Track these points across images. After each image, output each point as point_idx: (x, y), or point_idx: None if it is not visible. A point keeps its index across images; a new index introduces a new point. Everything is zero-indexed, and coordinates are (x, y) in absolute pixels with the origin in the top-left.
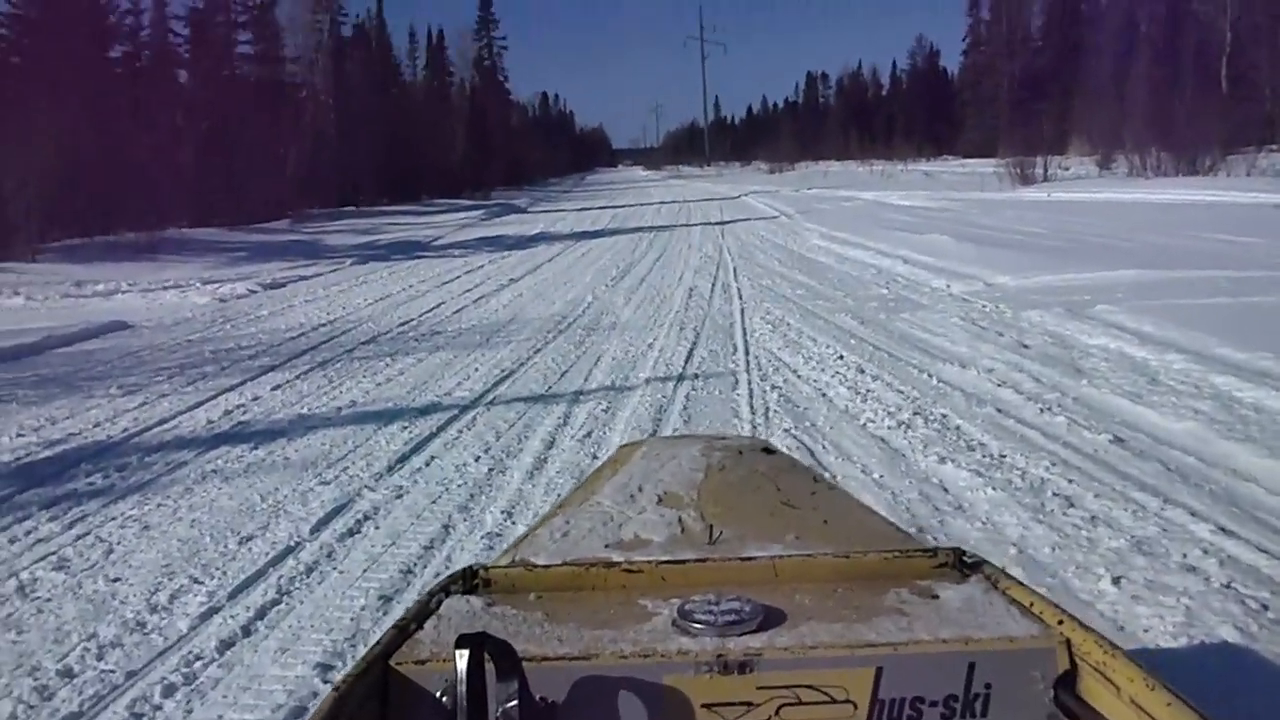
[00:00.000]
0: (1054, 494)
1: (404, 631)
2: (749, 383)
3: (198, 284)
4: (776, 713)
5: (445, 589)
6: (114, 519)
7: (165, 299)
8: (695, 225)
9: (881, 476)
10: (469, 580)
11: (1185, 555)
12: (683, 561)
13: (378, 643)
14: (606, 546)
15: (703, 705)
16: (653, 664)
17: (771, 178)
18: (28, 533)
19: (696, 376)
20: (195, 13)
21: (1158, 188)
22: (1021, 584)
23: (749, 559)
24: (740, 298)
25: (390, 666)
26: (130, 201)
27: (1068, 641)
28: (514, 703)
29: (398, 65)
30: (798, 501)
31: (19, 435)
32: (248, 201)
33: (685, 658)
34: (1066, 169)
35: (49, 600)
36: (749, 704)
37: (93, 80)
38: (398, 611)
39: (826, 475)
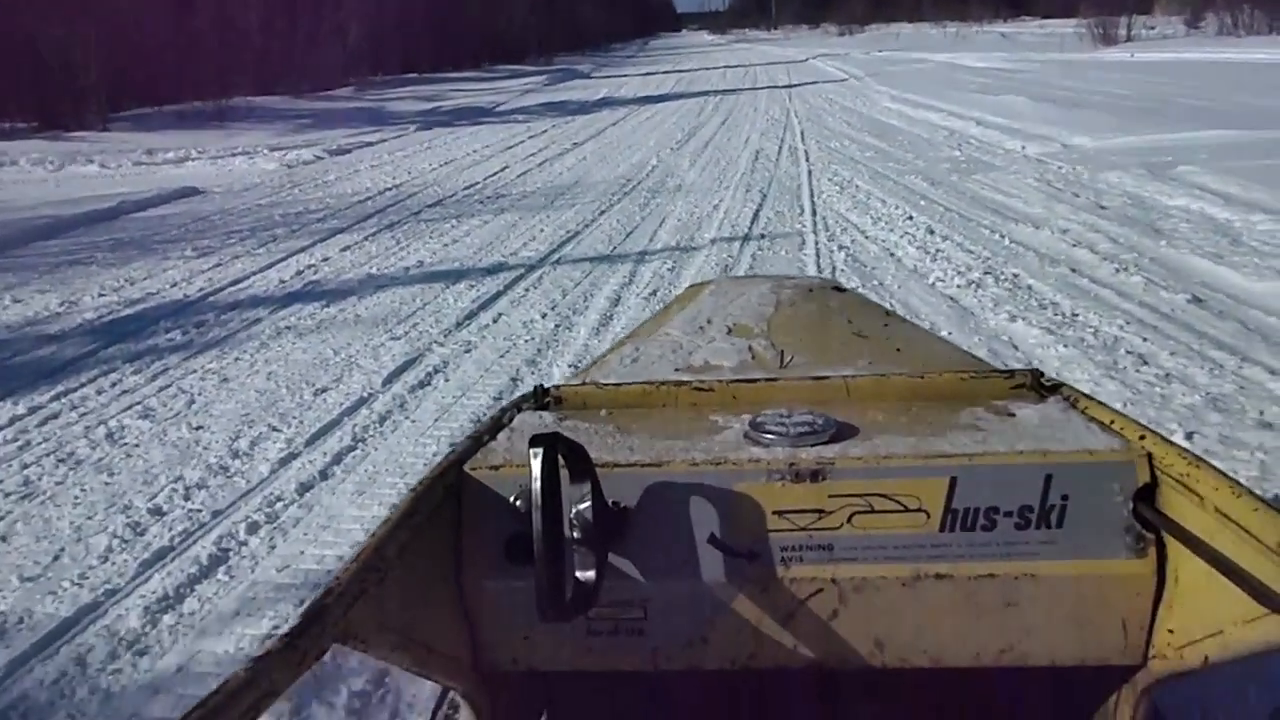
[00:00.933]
0: (1127, 351)
1: (478, 441)
2: (815, 243)
3: (265, 150)
4: (848, 520)
5: (517, 405)
6: (194, 371)
7: (234, 165)
8: (761, 89)
9: (950, 334)
10: (540, 398)
11: (1263, 413)
12: (754, 380)
13: (452, 450)
14: (676, 370)
15: (774, 512)
16: (724, 471)
17: (840, 40)
18: (113, 384)
19: (762, 237)
20: None
21: (1249, 47)
22: (1102, 403)
23: (821, 378)
24: (807, 160)
25: (465, 472)
26: (197, 70)
27: (1149, 455)
28: (586, 504)
29: None
30: (869, 331)
31: (100, 295)
32: (312, 69)
33: (757, 465)
34: (1152, 28)
35: (136, 446)
36: (820, 511)
37: None
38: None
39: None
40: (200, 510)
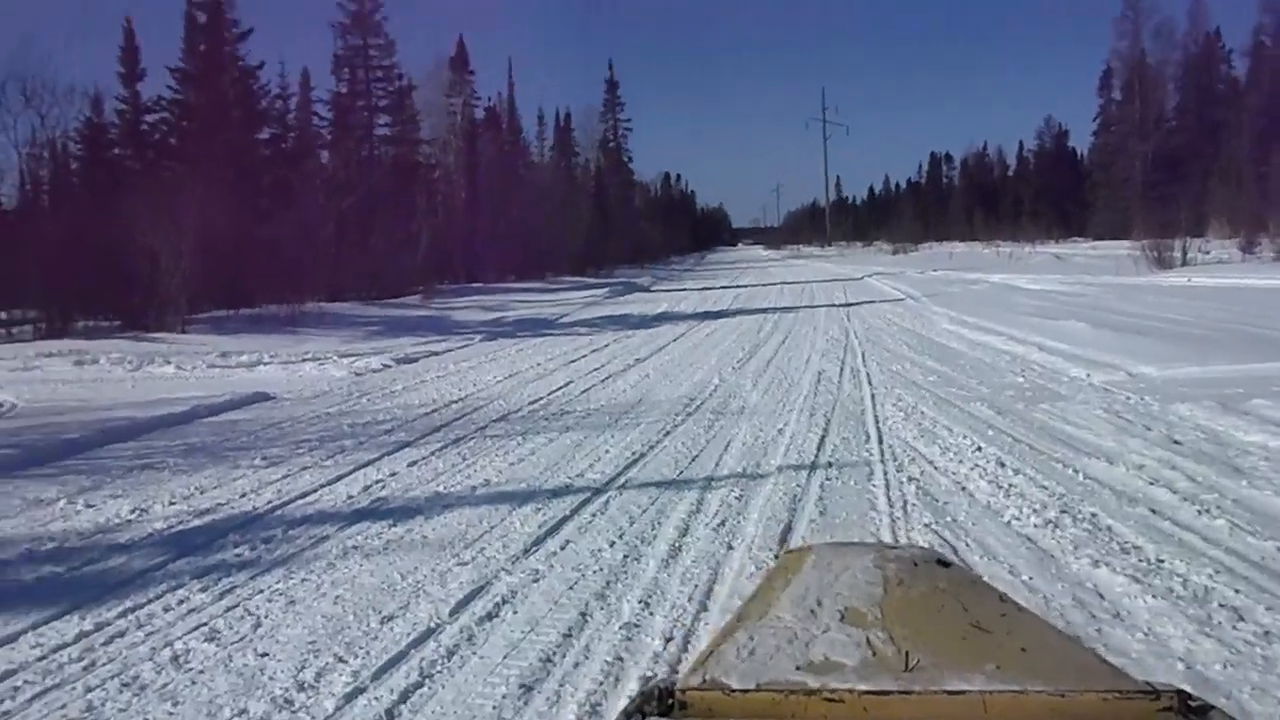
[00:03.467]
0: (1220, 604)
1: None
2: (884, 473)
3: (335, 357)
4: None
5: (640, 709)
6: (261, 592)
7: (304, 371)
8: (819, 307)
9: (1031, 579)
10: (664, 700)
11: None
12: (886, 693)
13: None
14: (798, 668)
15: None
16: None
17: (894, 259)
18: (180, 601)
19: (829, 465)
20: (338, 97)
21: None
22: None
23: (956, 692)
24: (870, 383)
25: None
26: (273, 276)
27: None
28: None
29: (526, 146)
30: (989, 624)
31: (171, 503)
32: (381, 277)
33: None
34: (1207, 252)
35: (201, 672)
36: None
37: (242, 161)
38: (536, 703)
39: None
40: None
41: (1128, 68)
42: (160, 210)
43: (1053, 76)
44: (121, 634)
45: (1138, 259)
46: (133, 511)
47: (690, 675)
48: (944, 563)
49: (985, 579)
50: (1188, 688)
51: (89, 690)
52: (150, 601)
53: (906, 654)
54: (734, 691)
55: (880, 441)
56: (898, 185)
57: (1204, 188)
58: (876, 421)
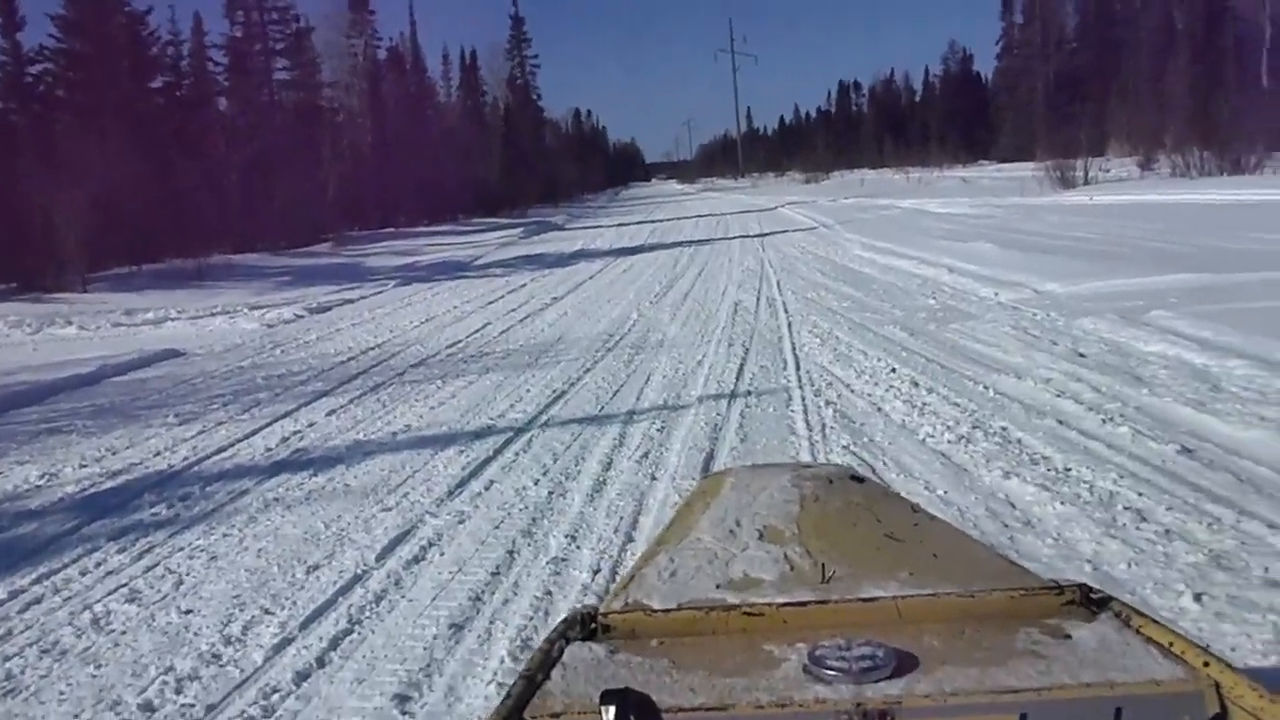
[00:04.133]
0: (1125, 507)
1: (531, 682)
2: (802, 398)
3: (245, 309)
4: None
5: (564, 635)
6: (181, 550)
7: (214, 325)
8: (734, 238)
9: (946, 493)
10: (586, 625)
11: (1268, 569)
12: (804, 604)
13: (508, 694)
14: (718, 587)
15: None
16: (790, 713)
17: (807, 188)
18: (98, 564)
19: (749, 394)
20: (233, 41)
21: (1202, 188)
22: (1157, 622)
23: (871, 599)
24: (786, 311)
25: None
26: (176, 229)
27: (1216, 685)
28: None
29: (432, 86)
30: (901, 534)
31: (82, 466)
32: (290, 225)
33: (823, 706)
34: (1107, 171)
35: (124, 634)
36: None
37: (135, 111)
38: (468, 641)
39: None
40: (193, 705)
41: None
42: (51, 165)
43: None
44: (38, 600)
45: (1042, 180)
46: (41, 477)
47: (613, 599)
48: (858, 478)
49: (898, 492)
50: (1089, 583)
51: (6, 660)
52: (66, 566)
53: (823, 566)
54: (655, 612)
55: (798, 368)
56: (808, 115)
57: (1104, 107)
58: (794, 349)
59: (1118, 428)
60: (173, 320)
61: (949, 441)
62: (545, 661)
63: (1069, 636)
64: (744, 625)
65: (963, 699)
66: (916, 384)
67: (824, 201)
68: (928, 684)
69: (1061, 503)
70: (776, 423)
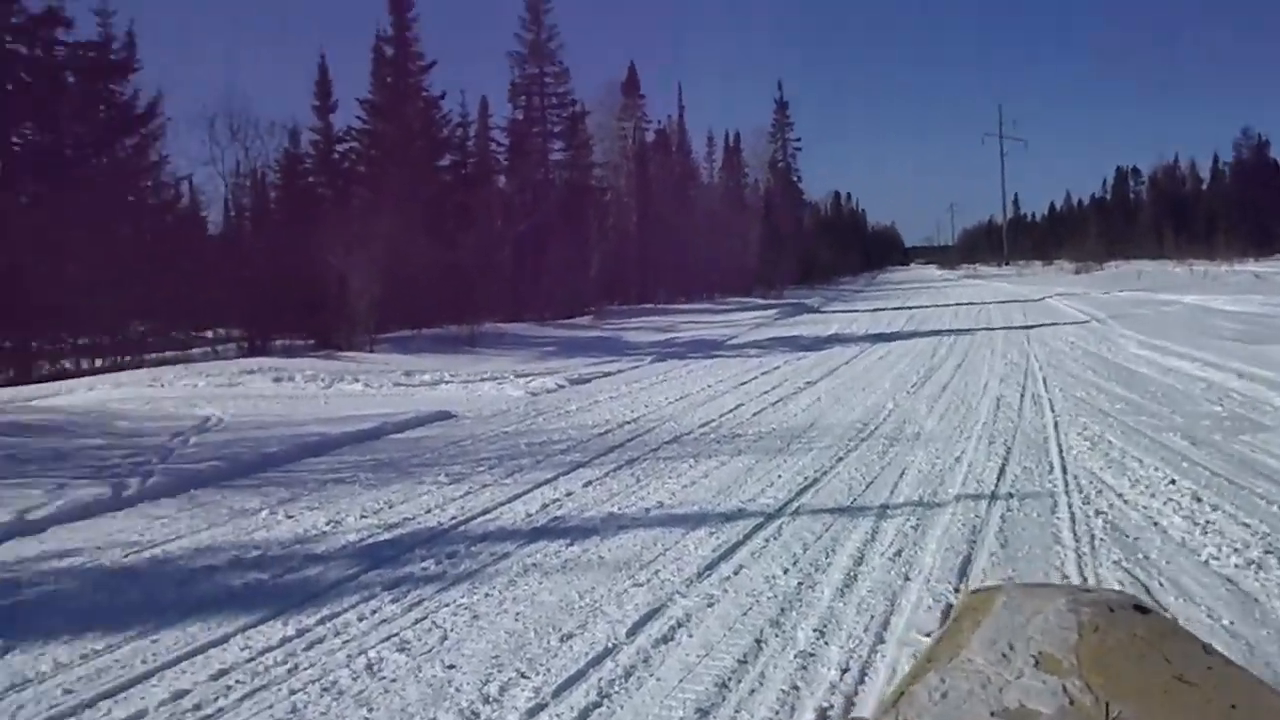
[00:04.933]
0: None
1: None
2: (1069, 505)
3: (512, 376)
4: None
5: None
6: (447, 605)
7: (483, 390)
8: (997, 329)
9: (1232, 623)
10: None
11: None
12: None
13: None
14: (993, 715)
15: None
16: None
17: (1077, 278)
18: (373, 611)
19: (1010, 496)
20: (515, 124)
21: None
22: None
23: None
24: (1053, 410)
25: None
26: (453, 297)
27: None
28: None
29: (696, 167)
30: (1194, 677)
31: (362, 516)
32: (555, 297)
33: None
34: None
35: (394, 681)
36: None
37: (425, 187)
38: None
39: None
40: None
41: None
42: (350, 235)
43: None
44: (320, 640)
45: None
46: (328, 523)
47: (883, 715)
48: (1141, 608)
49: (1185, 629)
50: None
51: (293, 693)
52: (345, 610)
53: (1107, 706)
54: None
55: (1065, 472)
56: (1080, 201)
57: None
58: (1060, 451)
59: None
60: (446, 383)
61: (1236, 566)
62: None
63: None
64: None
65: None
66: (1199, 499)
67: (1096, 294)
68: None
69: None
70: (1040, 529)
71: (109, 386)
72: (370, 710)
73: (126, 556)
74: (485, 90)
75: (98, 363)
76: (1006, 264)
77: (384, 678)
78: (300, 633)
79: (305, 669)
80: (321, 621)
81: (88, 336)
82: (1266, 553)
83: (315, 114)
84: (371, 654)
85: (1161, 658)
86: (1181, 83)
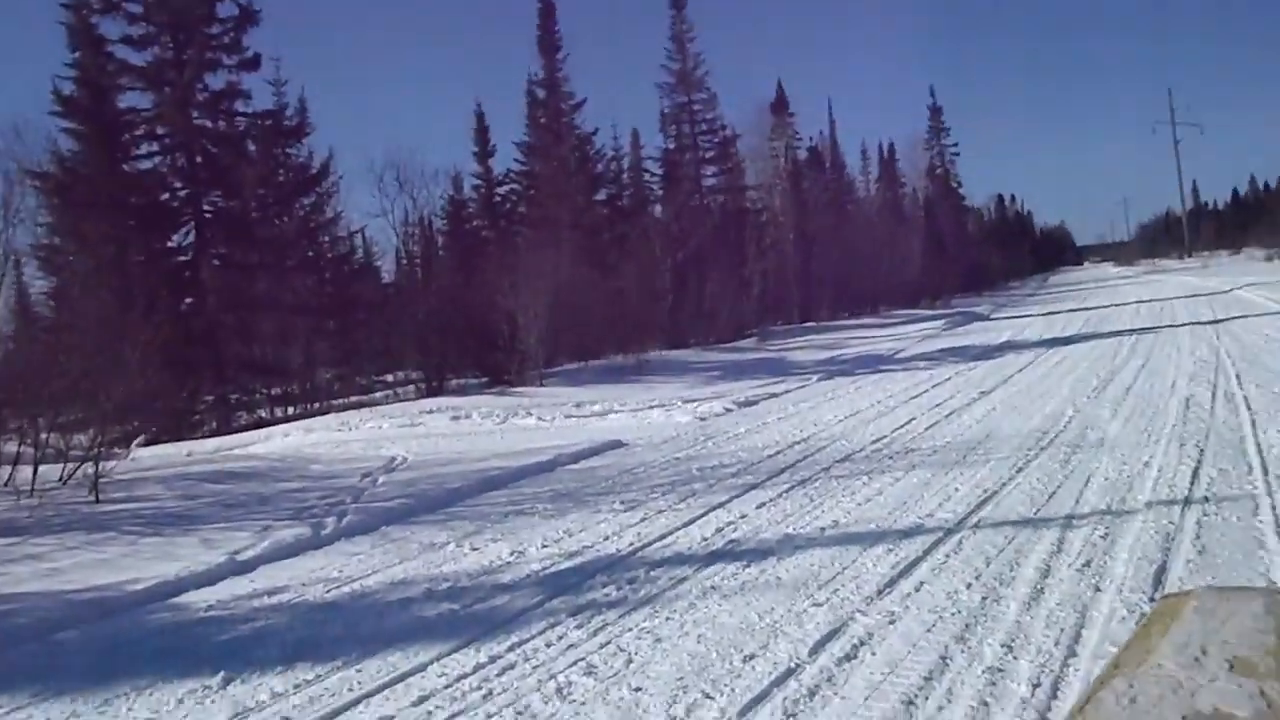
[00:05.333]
0: None
1: None
2: (1273, 507)
3: (679, 403)
4: None
5: None
6: (630, 630)
7: (652, 417)
8: (1181, 326)
9: None
10: None
11: None
12: None
13: None
14: (1184, 718)
15: None
16: None
17: (1270, 266)
18: (560, 638)
19: (1206, 500)
20: (667, 153)
21: None
22: None
23: None
24: (1249, 408)
25: None
26: (617, 328)
27: None
28: None
29: (851, 181)
30: None
31: (543, 546)
32: (717, 322)
33: None
34: None
35: (583, 704)
36: None
37: (583, 221)
38: None
39: None
40: None
41: None
42: (515, 274)
43: None
44: (512, 666)
45: None
46: (511, 554)
47: None
48: None
49: None
50: None
51: (489, 716)
52: (533, 637)
53: None
54: None
55: (1266, 473)
56: (1266, 185)
57: None
58: (1260, 450)
59: None
60: (615, 412)
61: None
62: None
63: None
64: None
65: None
66: None
67: None
68: None
69: None
70: (1241, 534)
71: (301, 433)
72: None
73: (328, 591)
74: (636, 121)
75: (290, 410)
76: (1189, 256)
77: (574, 700)
78: (492, 659)
79: (499, 694)
80: (511, 649)
81: (280, 386)
82: None
83: (476, 160)
84: (560, 678)
85: None
86: None
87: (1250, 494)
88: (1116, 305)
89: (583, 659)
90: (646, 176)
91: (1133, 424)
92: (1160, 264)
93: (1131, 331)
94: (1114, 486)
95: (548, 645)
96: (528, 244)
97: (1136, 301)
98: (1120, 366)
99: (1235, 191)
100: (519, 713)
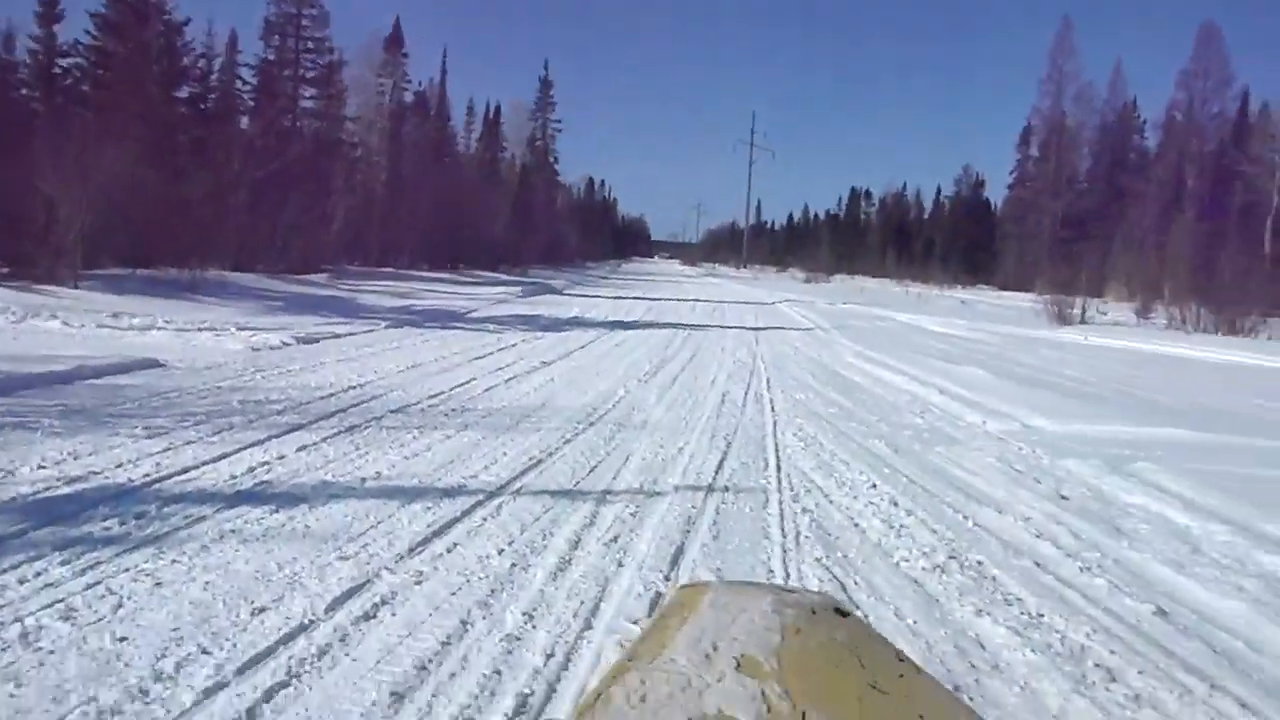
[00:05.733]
0: (1095, 664)
1: None
2: (780, 503)
3: (233, 329)
4: None
5: None
6: (127, 570)
7: (199, 340)
8: (730, 328)
9: (915, 623)
10: None
11: None
12: None
13: None
14: None
15: None
16: None
17: (807, 287)
18: (37, 574)
19: (726, 489)
20: (265, 64)
21: (1198, 344)
22: None
23: None
24: (773, 409)
25: None
26: (178, 238)
27: None
28: None
29: (453, 135)
30: (886, 685)
31: (40, 468)
32: (290, 251)
33: None
34: (1104, 313)
35: (51, 653)
36: None
37: (157, 116)
38: (407, 713)
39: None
40: None
41: (1047, 127)
42: (65, 158)
43: (975, 127)
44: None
45: (1039, 312)
46: None
47: (578, 718)
48: (843, 611)
49: (880, 634)
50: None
51: None
52: (3, 572)
53: (803, 714)
54: None
55: (779, 470)
56: (816, 215)
57: (1107, 250)
58: (776, 449)
59: (1094, 578)
60: (158, 329)
61: (923, 569)
62: None
63: None
64: None
65: None
66: (896, 504)
67: (822, 304)
68: None
69: (1032, 650)
70: (752, 524)
71: None
72: (18, 686)
73: None
74: (236, 21)
75: None
76: (744, 266)
77: (40, 649)
78: None
79: None
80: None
81: None
82: (950, 558)
83: (37, 21)
84: (29, 622)
85: (858, 663)
86: (917, 117)
87: (763, 487)
88: (677, 300)
89: (61, 600)
90: (239, 84)
91: (674, 411)
92: (719, 269)
93: (686, 326)
94: (649, 467)
95: (20, 582)
96: (86, 129)
97: (694, 299)
98: (671, 357)
99: (791, 216)
100: None
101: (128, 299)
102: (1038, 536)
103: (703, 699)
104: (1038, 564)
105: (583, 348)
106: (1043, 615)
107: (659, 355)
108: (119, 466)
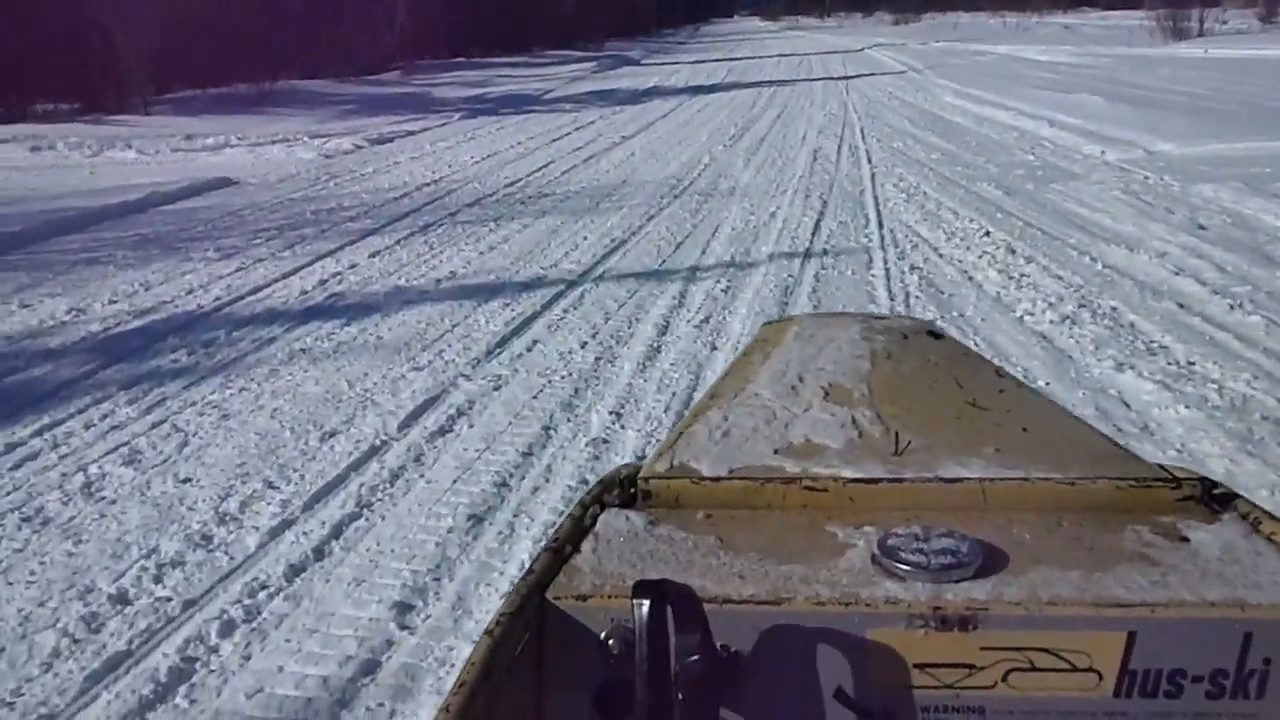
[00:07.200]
0: (1263, 417)
1: (559, 555)
2: (884, 261)
3: (305, 138)
4: (1003, 678)
5: (599, 500)
6: (193, 404)
7: (271, 153)
8: (817, 80)
9: (1048, 384)
10: (625, 489)
11: None
12: (875, 481)
13: (530, 570)
14: (776, 452)
15: (915, 665)
16: (855, 613)
17: (896, 30)
18: (103, 417)
19: (825, 253)
20: None
21: None
22: None
23: (952, 480)
24: (870, 161)
25: (548, 602)
26: (242, 53)
27: None
28: (696, 657)
29: None
30: (986, 402)
31: (111, 302)
32: (357, 52)
33: (894, 608)
34: (1224, 22)
35: (113, 503)
36: (970, 666)
37: None
38: (488, 537)
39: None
40: (170, 599)
41: None
42: None
43: None
44: (33, 455)
45: (1152, 30)
46: (69, 312)
47: (656, 461)
48: (936, 334)
49: (979, 353)
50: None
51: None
52: (70, 418)
53: (896, 436)
54: (703, 479)
55: (880, 226)
56: None
57: None
58: (876, 203)
59: (1248, 316)
60: (231, 147)
61: (1051, 322)
62: (576, 531)
63: (1186, 540)
64: (804, 501)
65: (1060, 609)
66: (1014, 251)
67: (914, 45)
68: (1019, 588)
69: (1186, 407)
70: (855, 288)
71: None
72: (77, 543)
73: None
74: None
75: None
76: (828, 16)
77: (102, 499)
78: (9, 448)
79: (4, 495)
80: (37, 433)
81: None
82: (1080, 306)
83: None
84: (92, 470)
85: (954, 383)
86: None
87: (865, 247)
88: (760, 57)
89: (125, 444)
90: None
91: (763, 174)
92: (801, 21)
93: (771, 83)
94: (740, 238)
95: (86, 428)
96: None
97: (779, 55)
98: (757, 116)
99: None
100: (25, 519)
101: (199, 119)
102: (1177, 273)
103: (789, 430)
104: (1180, 305)
105: (664, 117)
106: (1193, 364)
107: (744, 116)
108: (189, 293)
